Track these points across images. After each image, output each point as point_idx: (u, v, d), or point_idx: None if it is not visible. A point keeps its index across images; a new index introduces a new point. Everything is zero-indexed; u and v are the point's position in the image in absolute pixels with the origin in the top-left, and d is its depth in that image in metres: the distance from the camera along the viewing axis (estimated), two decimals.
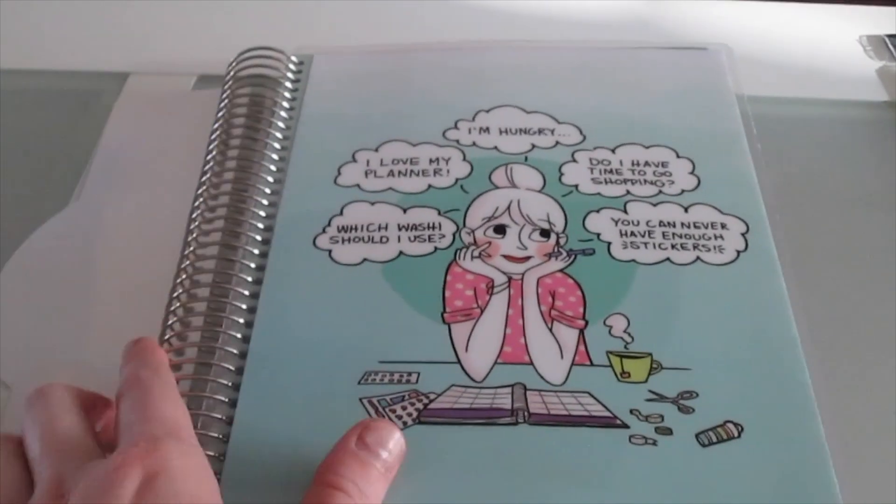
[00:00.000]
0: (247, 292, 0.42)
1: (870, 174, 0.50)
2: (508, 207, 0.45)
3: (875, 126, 0.53)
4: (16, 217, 0.48)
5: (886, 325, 0.43)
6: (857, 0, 0.61)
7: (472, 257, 0.43)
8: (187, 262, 0.42)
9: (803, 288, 0.42)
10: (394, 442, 0.35)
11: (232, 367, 0.39)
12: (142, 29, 0.60)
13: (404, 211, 0.45)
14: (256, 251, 0.43)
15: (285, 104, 0.51)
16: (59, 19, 0.60)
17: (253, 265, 0.43)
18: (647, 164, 0.47)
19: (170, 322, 0.40)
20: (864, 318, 0.44)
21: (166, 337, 0.40)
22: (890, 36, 0.58)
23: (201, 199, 0.45)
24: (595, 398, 0.38)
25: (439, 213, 0.45)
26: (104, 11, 0.61)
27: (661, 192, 0.46)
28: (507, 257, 0.43)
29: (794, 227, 0.45)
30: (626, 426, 0.37)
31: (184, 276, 0.42)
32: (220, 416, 0.37)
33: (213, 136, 0.48)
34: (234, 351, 0.39)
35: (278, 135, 0.49)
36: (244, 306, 0.41)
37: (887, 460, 0.38)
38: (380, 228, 0.44)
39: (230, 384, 0.38)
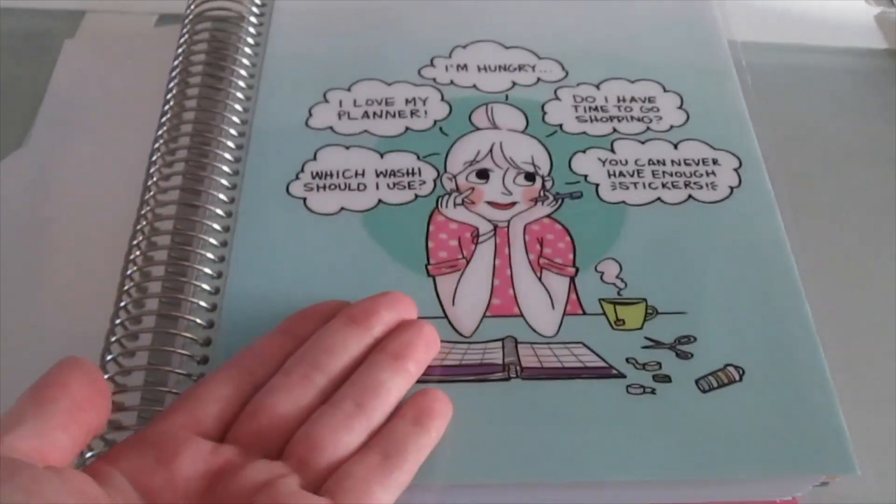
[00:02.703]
0: (215, 242, 0.39)
1: (867, 122, 0.50)
2: (491, 150, 0.43)
3: (873, 74, 0.52)
4: None
5: (887, 256, 0.43)
6: None
7: (455, 205, 0.41)
8: (147, 209, 0.40)
9: (801, 222, 0.41)
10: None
11: (203, 322, 0.37)
12: None
13: (381, 156, 0.43)
14: (224, 197, 0.41)
15: (249, 40, 0.48)
16: None
17: (221, 212, 0.40)
18: (633, 99, 0.46)
19: (129, 272, 0.38)
20: (866, 251, 0.43)
21: (125, 288, 0.37)
22: None
23: (161, 142, 0.42)
24: (589, 348, 0.37)
25: (418, 158, 0.43)
26: None
27: (648, 128, 0.44)
28: (492, 204, 0.41)
29: (790, 167, 0.44)
30: (622, 376, 0.36)
31: (144, 223, 0.39)
32: (189, 374, 0.35)
33: (173, 75, 0.46)
34: (205, 305, 0.37)
35: (243, 73, 0.46)
36: (213, 257, 0.39)
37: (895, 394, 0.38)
38: (356, 175, 0.42)
39: (200, 341, 0.37)
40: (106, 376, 0.35)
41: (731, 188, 0.42)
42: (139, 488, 0.29)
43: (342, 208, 0.41)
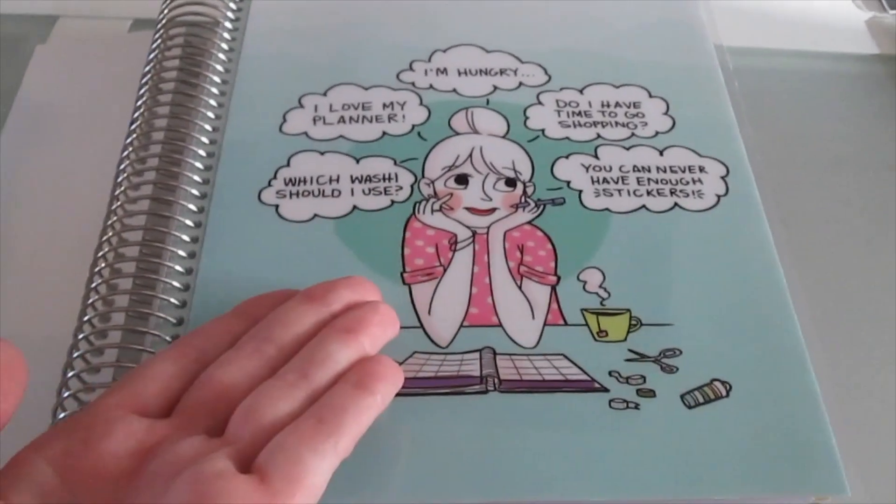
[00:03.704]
0: (183, 253, 0.38)
1: (857, 129, 0.49)
2: (470, 155, 0.42)
3: (864, 80, 0.51)
4: None
5: (879, 267, 0.42)
6: None
7: (433, 211, 0.40)
8: (115, 218, 0.39)
9: (789, 232, 0.40)
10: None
11: (168, 338, 0.35)
12: None
13: (357, 161, 0.42)
14: (193, 207, 0.40)
15: (224, 45, 0.47)
16: None
17: (190, 223, 0.39)
18: (617, 104, 0.44)
19: (95, 284, 0.37)
20: (856, 261, 0.42)
21: (91, 301, 0.36)
22: None
23: (130, 150, 0.41)
24: (571, 360, 0.35)
25: (395, 163, 0.42)
26: None
27: (633, 134, 0.43)
28: (471, 210, 0.40)
29: (779, 174, 0.43)
30: (605, 390, 0.34)
31: (111, 234, 0.38)
32: None
33: (144, 81, 0.45)
34: (172, 319, 0.36)
35: (216, 79, 0.45)
36: (180, 269, 0.38)
37: (887, 409, 0.37)
38: (331, 181, 0.41)
39: None
40: (67, 393, 0.34)
41: (719, 196, 0.41)
42: (64, 473, 0.28)
43: (315, 215, 0.40)
